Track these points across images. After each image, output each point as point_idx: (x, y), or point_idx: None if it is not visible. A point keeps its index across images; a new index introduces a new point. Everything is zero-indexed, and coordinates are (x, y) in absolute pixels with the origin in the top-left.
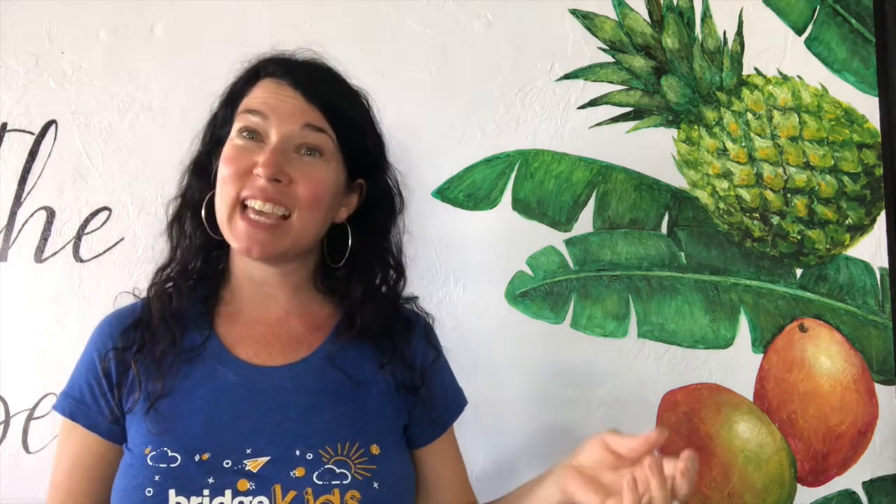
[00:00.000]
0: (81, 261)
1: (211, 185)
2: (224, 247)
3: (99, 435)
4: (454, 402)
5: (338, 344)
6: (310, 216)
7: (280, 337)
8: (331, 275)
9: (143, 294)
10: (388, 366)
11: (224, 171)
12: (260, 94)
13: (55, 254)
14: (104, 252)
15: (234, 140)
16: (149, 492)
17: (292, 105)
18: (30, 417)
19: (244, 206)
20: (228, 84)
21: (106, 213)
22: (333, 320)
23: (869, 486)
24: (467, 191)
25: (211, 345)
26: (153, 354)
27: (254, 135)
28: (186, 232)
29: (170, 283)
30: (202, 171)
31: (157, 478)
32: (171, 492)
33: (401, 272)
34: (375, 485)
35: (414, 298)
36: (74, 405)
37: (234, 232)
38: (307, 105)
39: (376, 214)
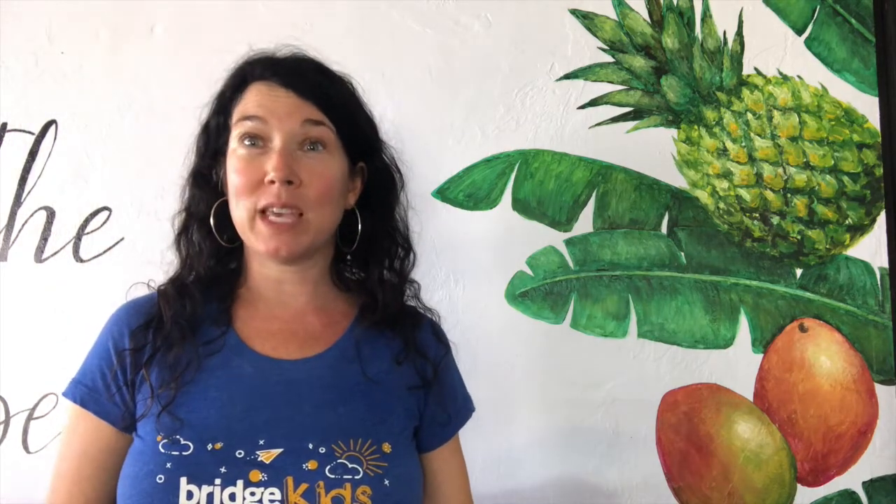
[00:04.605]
0: (81, 261)
1: (215, 195)
2: (235, 252)
3: (109, 423)
4: (463, 405)
5: (356, 335)
6: (324, 211)
7: (297, 332)
8: (346, 266)
9: (159, 285)
10: (403, 362)
11: (236, 181)
12: (253, 99)
13: (55, 254)
14: (104, 252)
15: (237, 150)
16: (160, 478)
17: (288, 104)
18: (30, 417)
19: (262, 212)
20: (216, 93)
21: (106, 213)
22: (350, 317)
23: (869, 486)
24: (467, 191)
25: (228, 339)
26: (165, 362)
27: (256, 140)
28: (195, 243)
29: (182, 290)
30: (203, 182)
31: (168, 465)
32: (183, 479)
33: (408, 248)
34: (387, 482)
35: (414, 282)
36: (86, 392)
37: (258, 237)
38: (302, 101)
39: (380, 194)
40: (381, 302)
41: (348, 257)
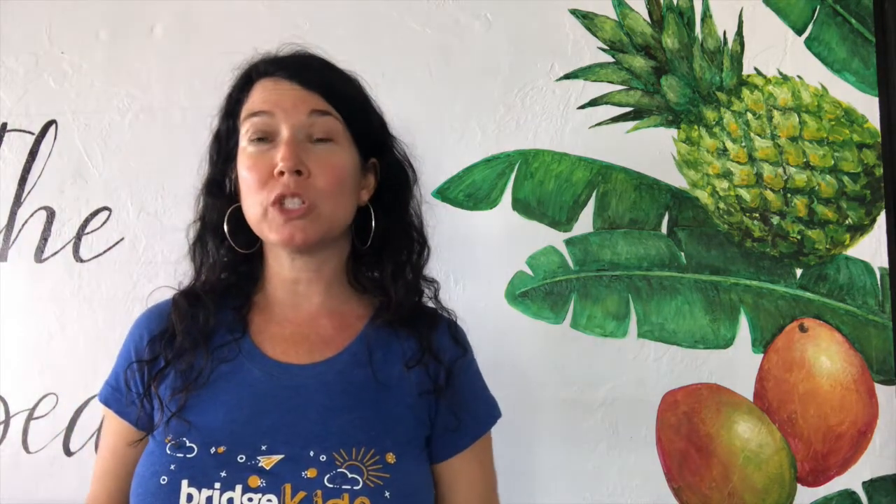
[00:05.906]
0: (81, 261)
1: (229, 202)
2: (250, 260)
3: (130, 423)
4: (483, 411)
5: (368, 337)
6: (335, 202)
7: (309, 336)
8: (362, 266)
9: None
10: (415, 368)
11: (247, 178)
12: (259, 95)
13: (55, 254)
14: (104, 252)
15: (247, 148)
16: (163, 480)
17: (294, 96)
18: (30, 417)
19: (274, 203)
20: (224, 96)
21: (106, 213)
22: (364, 320)
23: (869, 486)
24: (467, 191)
25: (242, 345)
26: (177, 370)
27: (265, 136)
28: (209, 252)
29: (195, 301)
30: (217, 189)
31: (172, 467)
32: (184, 482)
33: (423, 243)
34: (387, 494)
35: (435, 281)
36: (110, 392)
37: (271, 225)
38: (307, 93)
39: (393, 190)
40: (395, 300)
41: (366, 256)
